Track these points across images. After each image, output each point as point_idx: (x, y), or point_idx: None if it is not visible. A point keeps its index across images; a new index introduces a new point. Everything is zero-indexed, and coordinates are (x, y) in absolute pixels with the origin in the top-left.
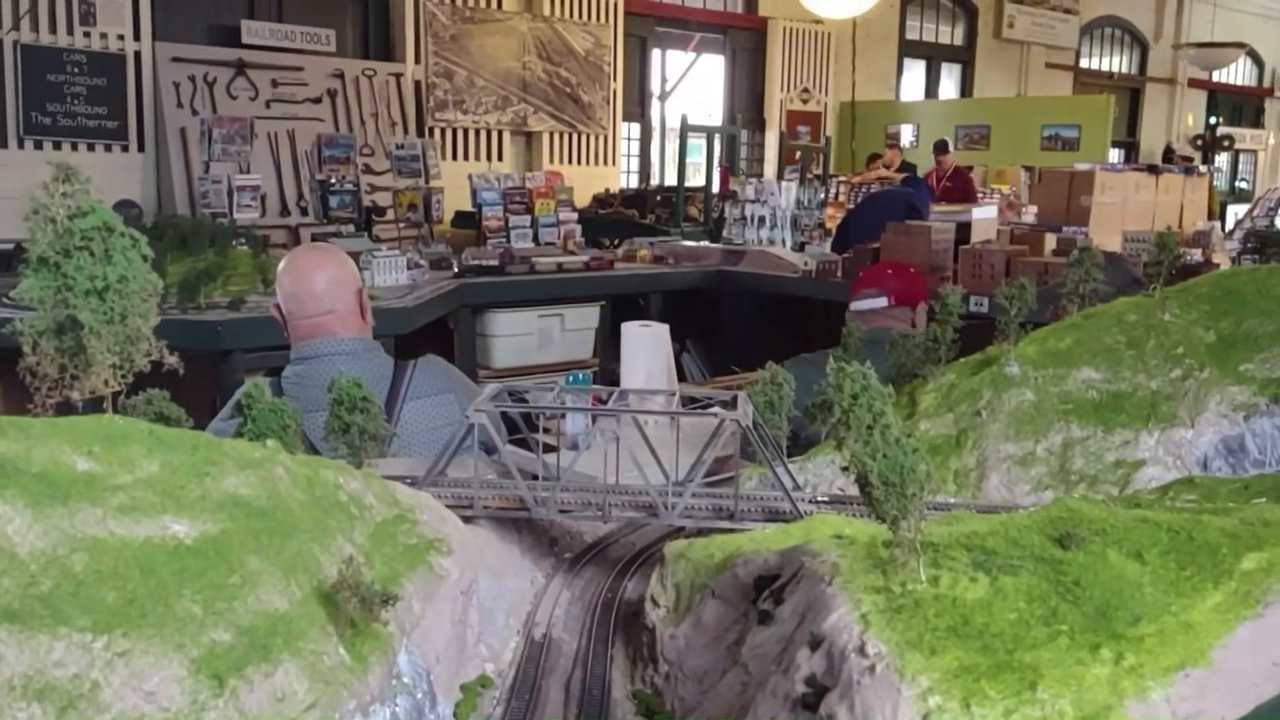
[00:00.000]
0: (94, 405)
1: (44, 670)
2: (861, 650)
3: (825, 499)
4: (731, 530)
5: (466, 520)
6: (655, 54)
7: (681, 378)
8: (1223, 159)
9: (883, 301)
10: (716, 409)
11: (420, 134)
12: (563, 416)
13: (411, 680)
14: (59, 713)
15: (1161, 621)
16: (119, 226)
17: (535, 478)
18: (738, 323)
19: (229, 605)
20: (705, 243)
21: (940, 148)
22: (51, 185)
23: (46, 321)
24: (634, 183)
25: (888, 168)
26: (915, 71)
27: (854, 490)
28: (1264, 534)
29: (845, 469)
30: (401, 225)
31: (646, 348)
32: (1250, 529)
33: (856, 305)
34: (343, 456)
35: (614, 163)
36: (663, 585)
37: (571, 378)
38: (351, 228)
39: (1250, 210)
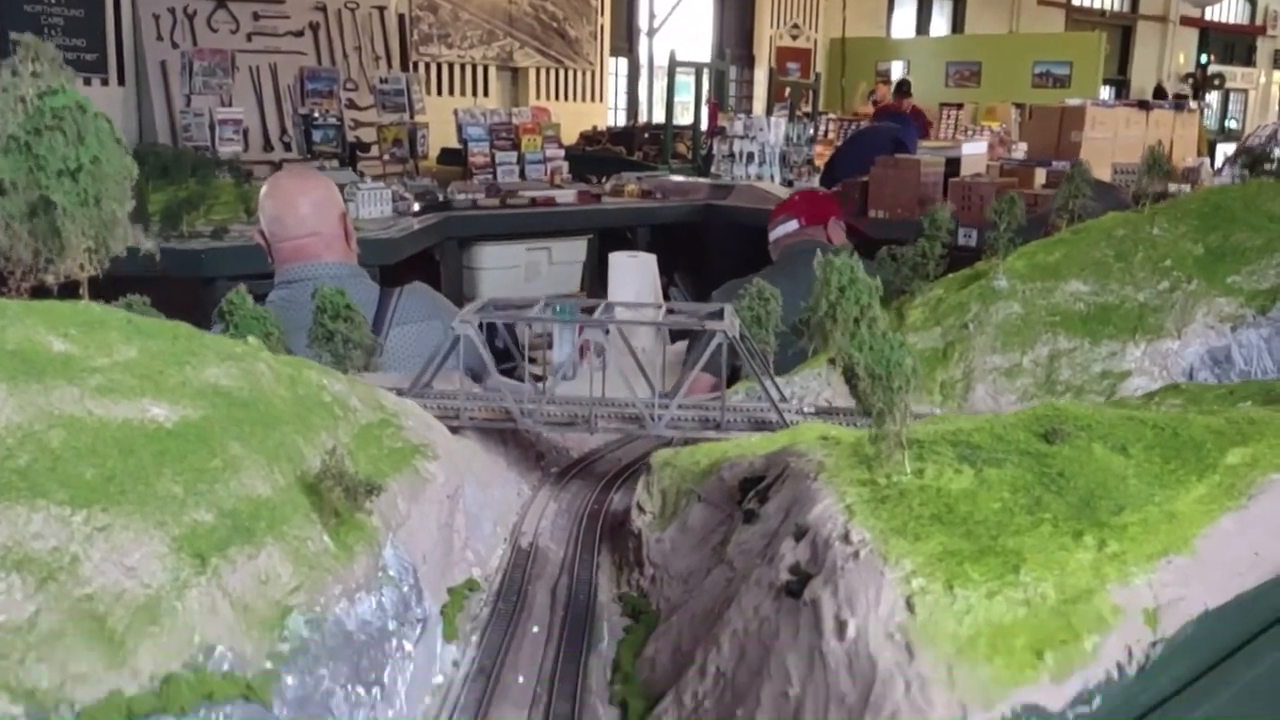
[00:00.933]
0: (70, 290)
1: (22, 542)
2: (846, 538)
3: (811, 410)
4: (718, 440)
5: (453, 431)
6: None
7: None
8: (1213, 98)
9: (794, 224)
10: (703, 320)
11: (404, 68)
12: (549, 346)
13: (398, 574)
14: (39, 583)
15: (1145, 511)
16: (91, 107)
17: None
18: (725, 256)
19: (210, 488)
20: (694, 178)
21: (902, 89)
22: (20, 65)
23: (18, 203)
24: (622, 120)
25: (877, 104)
26: (906, 8)
27: (841, 403)
28: (1250, 431)
29: (832, 361)
30: (386, 160)
31: (634, 277)
32: (1236, 426)
33: (774, 234)
34: (327, 365)
35: (601, 99)
36: (649, 492)
37: (559, 307)
38: (336, 163)
39: (1241, 145)
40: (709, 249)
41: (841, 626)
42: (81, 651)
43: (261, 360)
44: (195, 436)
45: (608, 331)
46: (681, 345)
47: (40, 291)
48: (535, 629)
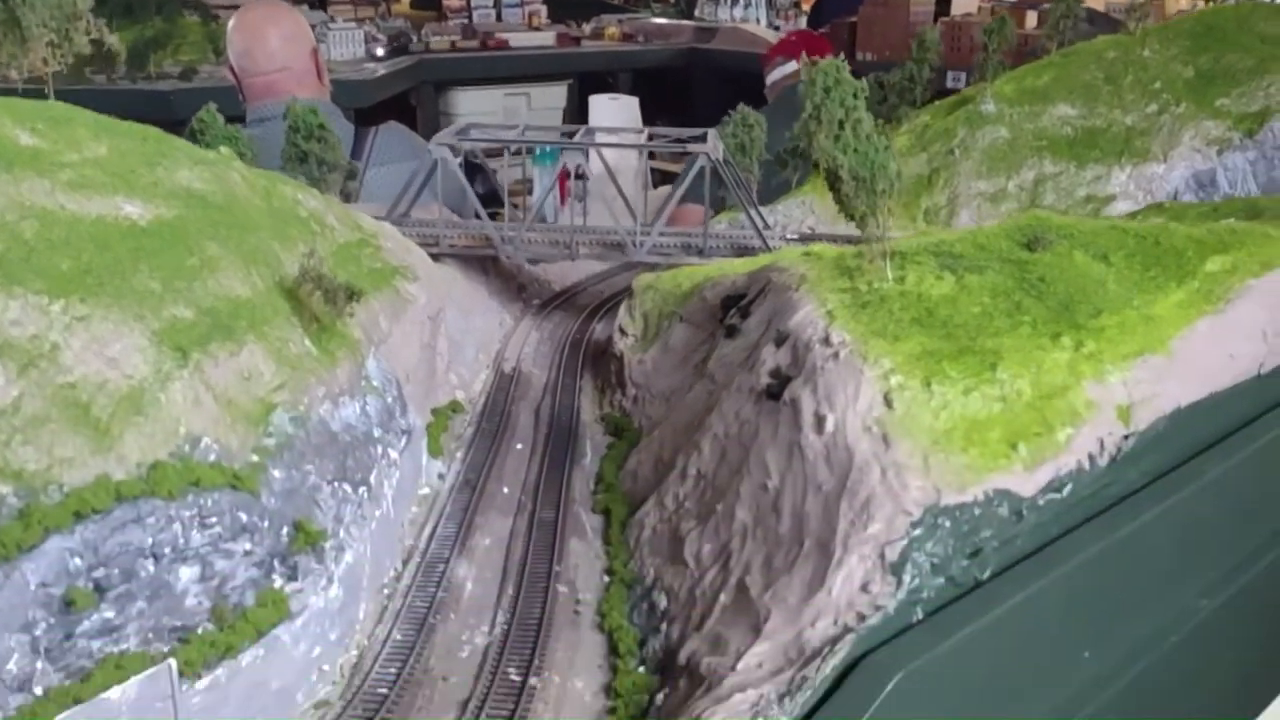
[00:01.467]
0: (34, 86)
1: (1, 328)
2: (826, 340)
3: (794, 236)
4: (701, 265)
5: (433, 259)
6: None
7: (651, 157)
8: None
9: (792, 65)
10: (685, 143)
11: None
12: (529, 193)
13: (381, 384)
14: (20, 369)
15: (1123, 315)
16: None
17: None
18: (710, 101)
19: (188, 285)
20: (677, 20)
21: None
22: None
23: None
24: None
25: None
26: None
27: (824, 230)
28: (1231, 240)
29: (816, 164)
30: (358, 2)
31: (616, 121)
32: (1217, 236)
33: (772, 77)
34: None
35: None
36: (631, 315)
37: (539, 152)
38: (305, 6)
39: None
40: (693, 94)
41: (820, 421)
42: (67, 436)
43: (234, 170)
44: (170, 235)
45: (588, 159)
46: (665, 189)
47: (4, 87)
48: (519, 446)
